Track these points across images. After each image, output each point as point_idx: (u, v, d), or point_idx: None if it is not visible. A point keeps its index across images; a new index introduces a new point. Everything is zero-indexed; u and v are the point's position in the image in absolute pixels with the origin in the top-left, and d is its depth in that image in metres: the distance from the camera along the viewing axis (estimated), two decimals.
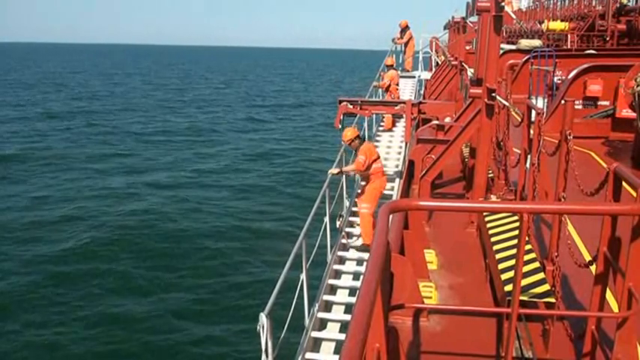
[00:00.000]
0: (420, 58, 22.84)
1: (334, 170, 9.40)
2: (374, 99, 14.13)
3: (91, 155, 29.23)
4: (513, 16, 14.32)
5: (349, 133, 9.56)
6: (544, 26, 21.87)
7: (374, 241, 2.20)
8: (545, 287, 3.84)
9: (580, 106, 10.73)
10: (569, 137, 4.10)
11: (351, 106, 11.25)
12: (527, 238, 4.76)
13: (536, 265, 4.20)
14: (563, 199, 4.00)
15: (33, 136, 34.38)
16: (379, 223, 2.35)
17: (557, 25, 21.36)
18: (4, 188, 22.54)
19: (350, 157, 10.19)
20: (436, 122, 8.59)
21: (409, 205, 2.92)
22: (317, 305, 7.18)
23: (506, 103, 5.93)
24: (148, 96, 60.36)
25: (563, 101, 10.36)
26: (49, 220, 18.64)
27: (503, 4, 5.71)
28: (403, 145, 13.31)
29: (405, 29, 21.45)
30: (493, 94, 5.77)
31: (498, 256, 4.44)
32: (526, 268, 4.09)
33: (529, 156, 5.20)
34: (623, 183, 2.91)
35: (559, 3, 25.85)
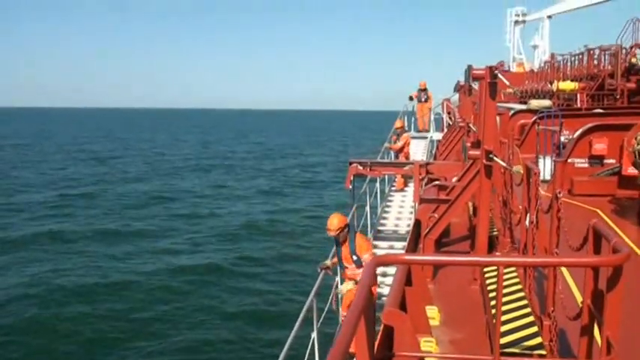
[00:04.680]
0: (432, 119, 23.38)
1: (328, 262, 8.32)
2: (384, 160, 14.49)
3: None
4: (506, 82, 14.81)
5: (336, 220, 7.63)
6: (554, 86, 22.30)
7: (357, 291, 2.42)
8: (538, 340, 3.97)
9: (586, 165, 10.94)
10: (559, 196, 4.33)
11: (361, 168, 11.54)
12: (526, 294, 4.91)
13: (531, 319, 4.33)
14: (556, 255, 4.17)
15: None
16: (364, 275, 2.56)
17: (567, 86, 21.76)
18: None
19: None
20: (438, 182, 8.82)
21: (395, 259, 3.13)
22: None
23: (504, 164, 6.19)
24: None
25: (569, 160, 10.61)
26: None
27: (496, 72, 6.06)
28: (415, 205, 13.53)
29: (424, 90, 22.23)
30: (490, 156, 6.03)
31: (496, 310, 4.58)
32: (521, 322, 4.23)
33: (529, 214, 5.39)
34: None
35: (569, 64, 26.41)
